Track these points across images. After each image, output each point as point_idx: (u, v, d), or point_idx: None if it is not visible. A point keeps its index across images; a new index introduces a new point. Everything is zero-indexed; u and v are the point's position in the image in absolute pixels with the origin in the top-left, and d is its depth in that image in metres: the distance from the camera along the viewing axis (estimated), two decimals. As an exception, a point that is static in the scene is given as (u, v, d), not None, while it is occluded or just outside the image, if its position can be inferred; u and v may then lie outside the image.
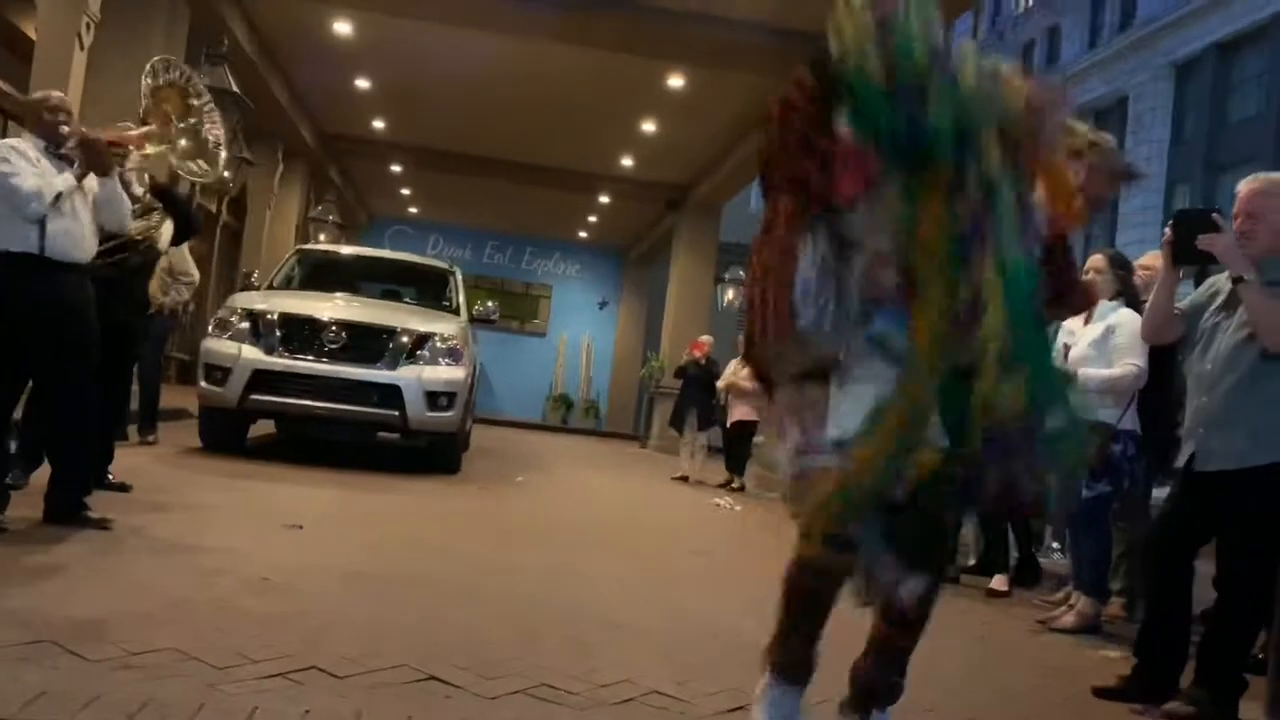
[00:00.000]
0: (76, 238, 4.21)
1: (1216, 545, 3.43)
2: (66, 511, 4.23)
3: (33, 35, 8.74)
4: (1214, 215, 3.32)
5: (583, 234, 23.38)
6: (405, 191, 21.15)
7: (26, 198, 4.01)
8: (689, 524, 7.80)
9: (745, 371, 10.58)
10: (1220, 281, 3.49)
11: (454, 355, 7.62)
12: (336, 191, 19.63)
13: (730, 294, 19.55)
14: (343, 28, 12.12)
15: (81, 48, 8.16)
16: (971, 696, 3.30)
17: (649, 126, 14.61)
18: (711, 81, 12.38)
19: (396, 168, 18.73)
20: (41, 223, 4.07)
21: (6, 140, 4.35)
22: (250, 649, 2.74)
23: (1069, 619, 4.61)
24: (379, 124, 16.35)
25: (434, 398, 7.38)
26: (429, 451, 8.08)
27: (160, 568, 3.70)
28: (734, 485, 10.89)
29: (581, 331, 24.36)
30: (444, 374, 7.50)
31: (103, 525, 4.22)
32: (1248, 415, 3.23)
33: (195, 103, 5.33)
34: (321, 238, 17.14)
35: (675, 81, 12.60)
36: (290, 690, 2.50)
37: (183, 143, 5.22)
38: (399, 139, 17.08)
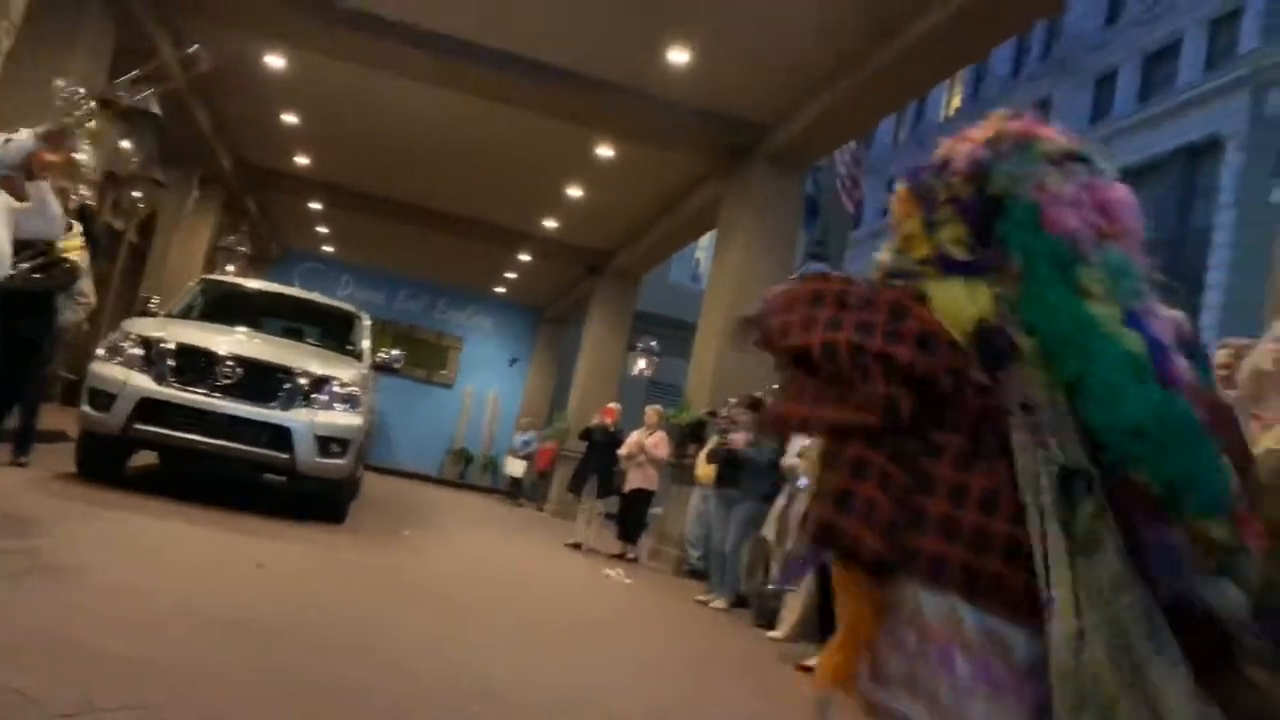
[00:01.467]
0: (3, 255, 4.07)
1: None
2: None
3: (-53, 35, 8.46)
4: None
5: (499, 289, 23.35)
6: (322, 229, 20.87)
7: None
8: (577, 593, 7.74)
9: (651, 439, 10.71)
10: None
11: (351, 401, 7.48)
12: (251, 223, 19.29)
13: (641, 363, 19.67)
14: (275, 62, 12.04)
15: (-1, 53, 7.93)
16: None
17: (575, 191, 14.76)
18: (638, 156, 12.60)
19: (315, 205, 18.49)
20: None
21: None
22: (101, 695, 2.61)
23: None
24: (302, 160, 16.16)
25: (326, 443, 7.20)
26: (315, 498, 7.87)
27: (14, 598, 3.51)
28: (627, 556, 10.85)
29: (489, 386, 24.18)
30: (338, 420, 7.35)
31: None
32: None
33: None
34: (230, 268, 16.78)
35: (604, 151, 12.79)
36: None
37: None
38: (322, 176, 16.90)
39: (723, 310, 10.97)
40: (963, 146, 2.00)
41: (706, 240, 19.51)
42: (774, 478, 7.55)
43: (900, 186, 2.11)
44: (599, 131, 12.22)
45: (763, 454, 7.75)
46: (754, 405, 8.45)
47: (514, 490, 19.47)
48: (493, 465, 23.68)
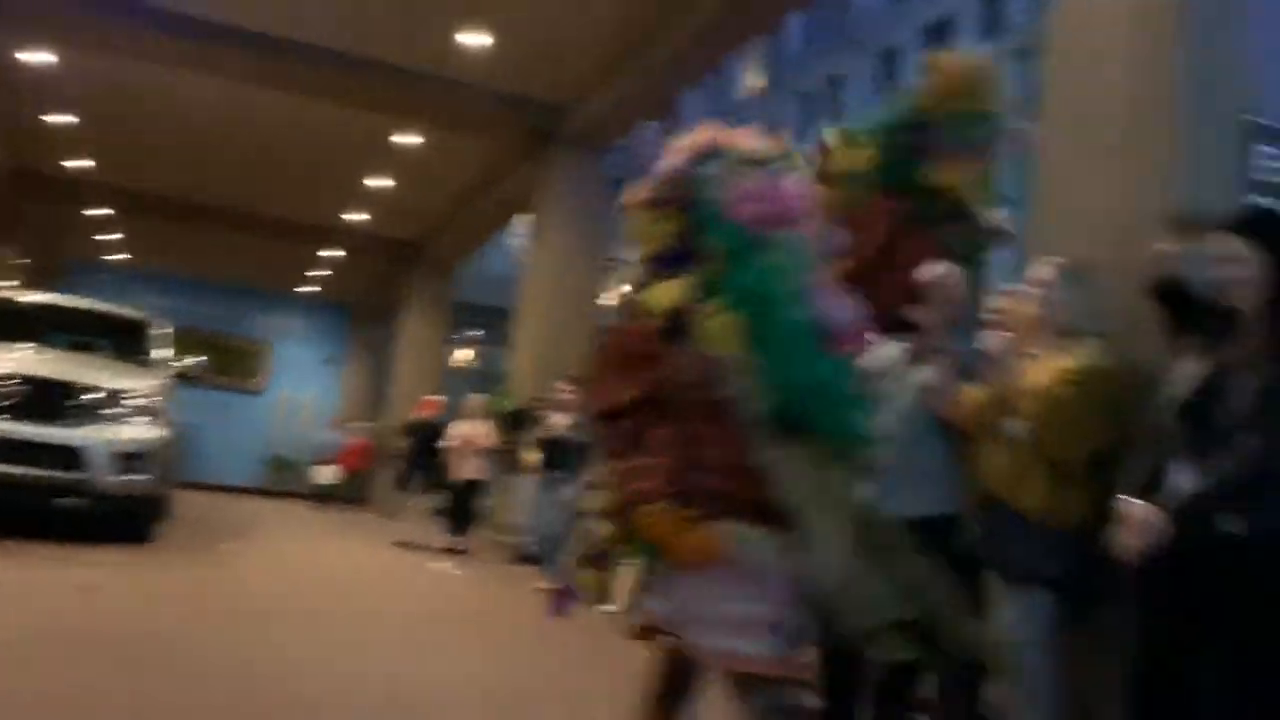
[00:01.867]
0: None
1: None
2: None
3: None
4: None
5: (309, 288, 22.47)
6: (111, 236, 19.52)
7: None
8: (404, 591, 7.59)
9: (476, 429, 10.56)
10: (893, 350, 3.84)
11: (148, 413, 7.05)
12: (29, 233, 17.90)
13: (465, 354, 19.43)
14: (42, 58, 11.12)
15: None
16: None
17: (381, 182, 14.31)
18: (443, 143, 12.36)
19: (102, 210, 17.28)
20: None
21: None
22: None
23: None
24: (84, 163, 15.04)
25: (124, 460, 6.76)
26: (119, 518, 7.37)
27: None
28: (459, 549, 10.72)
29: (305, 390, 23.29)
30: (136, 434, 6.90)
31: None
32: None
33: None
34: (12, 283, 15.52)
35: (406, 139, 12.46)
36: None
37: None
38: (106, 180, 15.78)
39: (542, 296, 10.95)
40: (674, 156, 2.45)
41: (524, 227, 19.46)
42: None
43: (638, 189, 2.53)
44: (400, 119, 11.92)
45: (586, 435, 7.78)
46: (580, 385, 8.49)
47: (320, 497, 18.41)
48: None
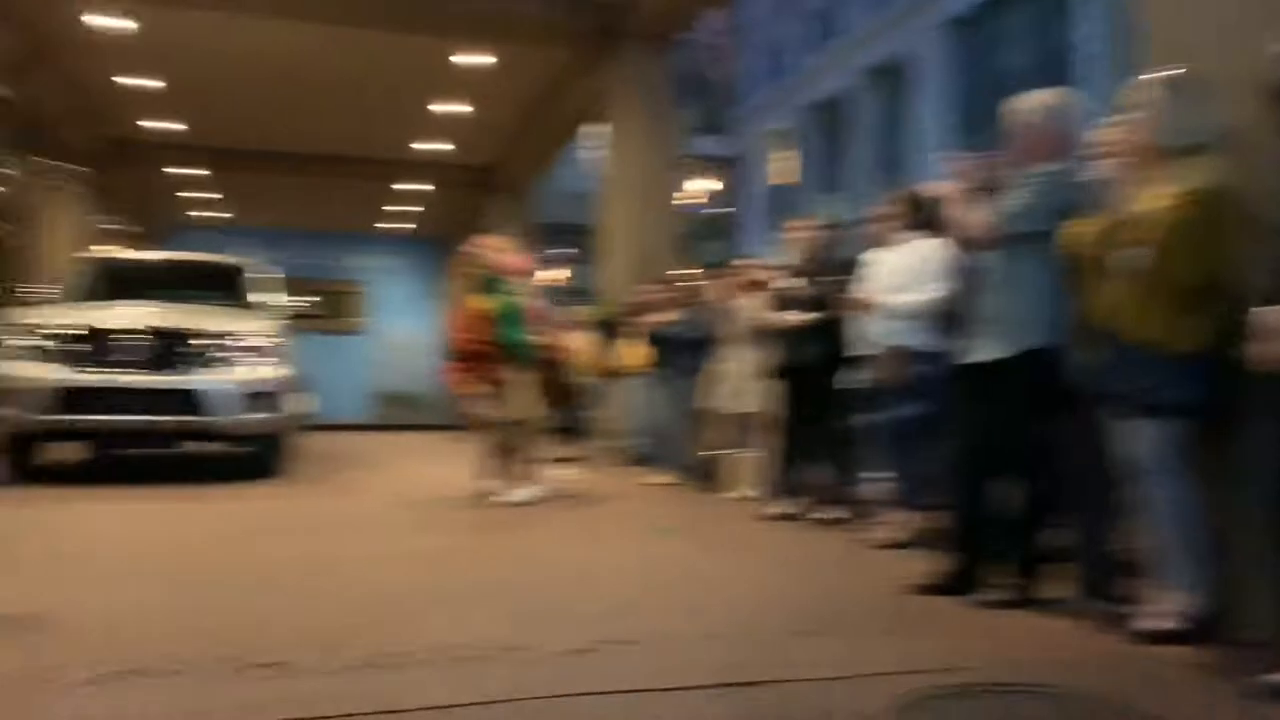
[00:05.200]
0: None
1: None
2: None
3: None
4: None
5: (398, 225, 22.80)
6: (201, 195, 20.01)
7: None
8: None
9: (577, 341, 10.63)
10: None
11: (260, 353, 7.30)
12: (127, 197, 18.50)
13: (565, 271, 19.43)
14: (120, 24, 11.30)
15: None
16: (797, 603, 3.44)
17: (456, 107, 14.26)
18: (510, 57, 12.24)
19: (188, 170, 17.70)
20: None
21: None
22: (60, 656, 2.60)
23: (889, 534, 4.84)
24: (168, 125, 15.36)
25: (241, 399, 7.03)
26: (245, 458, 7.72)
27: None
28: (574, 457, 10.90)
29: (405, 324, 23.81)
30: (253, 375, 7.18)
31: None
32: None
33: None
34: (111, 249, 16.10)
35: (470, 60, 12.35)
36: (111, 694, 2.40)
37: None
38: (190, 140, 16.12)
39: (626, 202, 10.88)
40: (475, 247, 6.78)
41: (592, 138, 19.17)
42: (701, 355, 7.47)
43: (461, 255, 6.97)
44: (454, 39, 11.80)
45: (695, 330, 7.66)
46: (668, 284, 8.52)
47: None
48: (424, 401, 23.38)
